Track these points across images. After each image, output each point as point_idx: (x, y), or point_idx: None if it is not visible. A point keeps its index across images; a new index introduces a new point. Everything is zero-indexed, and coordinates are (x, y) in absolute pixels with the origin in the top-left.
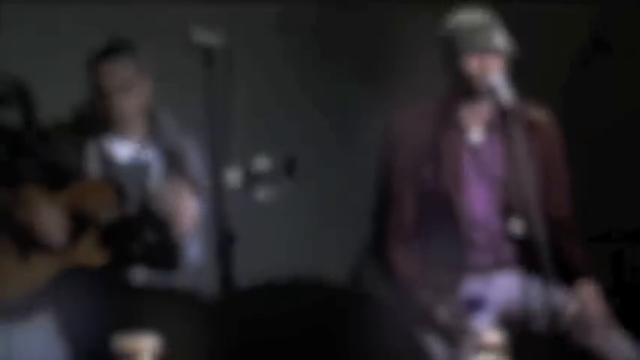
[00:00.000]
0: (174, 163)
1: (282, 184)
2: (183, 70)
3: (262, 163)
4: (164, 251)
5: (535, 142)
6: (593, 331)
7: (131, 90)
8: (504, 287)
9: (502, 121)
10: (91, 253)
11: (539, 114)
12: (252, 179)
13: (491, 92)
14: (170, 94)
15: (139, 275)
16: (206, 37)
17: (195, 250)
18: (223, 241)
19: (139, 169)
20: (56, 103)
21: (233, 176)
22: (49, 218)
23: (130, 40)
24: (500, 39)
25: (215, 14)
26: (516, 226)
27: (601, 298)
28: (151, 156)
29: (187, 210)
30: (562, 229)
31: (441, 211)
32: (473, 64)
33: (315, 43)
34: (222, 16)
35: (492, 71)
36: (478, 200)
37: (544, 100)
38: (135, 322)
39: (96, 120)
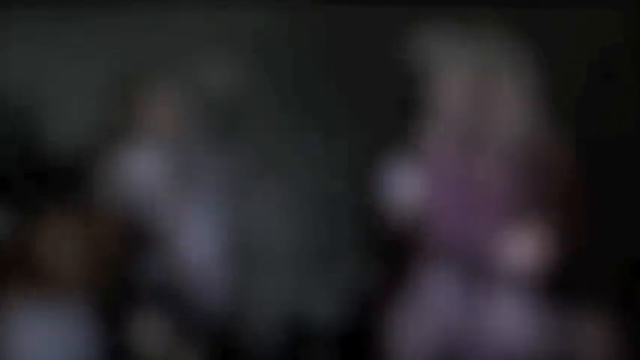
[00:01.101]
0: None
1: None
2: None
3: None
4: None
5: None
6: None
7: (164, 110)
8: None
9: (474, 142)
10: (99, 275)
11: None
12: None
13: (459, 118)
14: None
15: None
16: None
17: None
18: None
19: (150, 190)
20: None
21: None
22: (63, 244)
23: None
24: (468, 63)
25: None
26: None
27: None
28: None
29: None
30: None
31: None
32: (443, 90)
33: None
34: None
35: (461, 96)
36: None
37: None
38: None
39: (116, 138)
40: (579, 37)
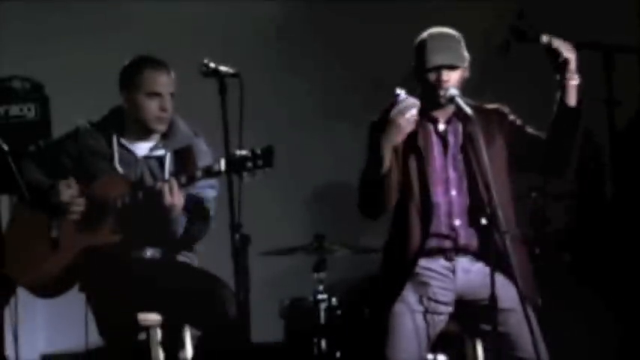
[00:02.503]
0: (183, 158)
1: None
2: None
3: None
4: (164, 229)
5: (493, 134)
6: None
7: (173, 97)
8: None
9: (461, 119)
10: (109, 234)
11: (493, 108)
12: (235, 165)
13: (451, 102)
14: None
15: (150, 251)
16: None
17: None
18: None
19: (154, 163)
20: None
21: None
22: (79, 207)
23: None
24: (457, 55)
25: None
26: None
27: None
28: (164, 153)
29: (175, 198)
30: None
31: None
32: (432, 77)
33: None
34: None
35: (450, 83)
36: (444, 180)
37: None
38: (145, 292)
39: (123, 121)
40: None
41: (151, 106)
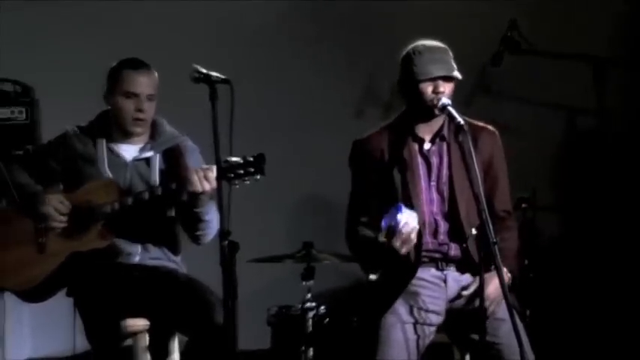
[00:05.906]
0: (172, 159)
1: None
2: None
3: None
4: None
5: (480, 149)
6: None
7: (153, 100)
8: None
9: (449, 133)
10: (97, 239)
11: (483, 126)
12: (227, 172)
13: (445, 112)
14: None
15: (138, 257)
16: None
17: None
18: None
19: (142, 165)
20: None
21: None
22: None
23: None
24: (452, 67)
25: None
26: (467, 227)
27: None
28: (152, 155)
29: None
30: (504, 222)
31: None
32: (428, 88)
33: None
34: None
35: (445, 94)
36: (429, 201)
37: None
38: (133, 298)
39: (109, 124)
40: None
41: (128, 107)
